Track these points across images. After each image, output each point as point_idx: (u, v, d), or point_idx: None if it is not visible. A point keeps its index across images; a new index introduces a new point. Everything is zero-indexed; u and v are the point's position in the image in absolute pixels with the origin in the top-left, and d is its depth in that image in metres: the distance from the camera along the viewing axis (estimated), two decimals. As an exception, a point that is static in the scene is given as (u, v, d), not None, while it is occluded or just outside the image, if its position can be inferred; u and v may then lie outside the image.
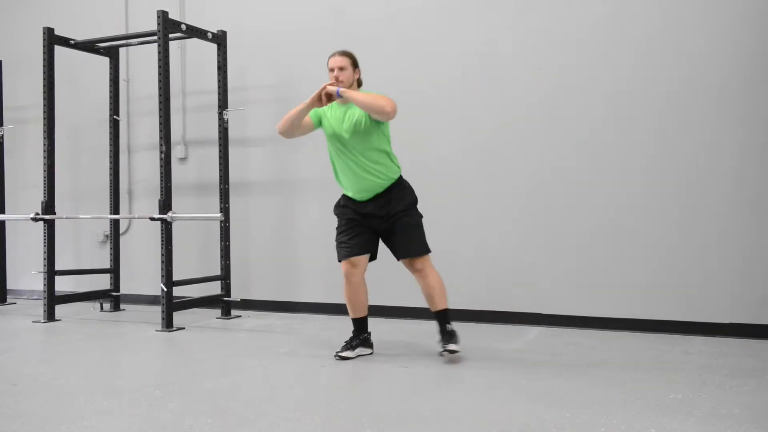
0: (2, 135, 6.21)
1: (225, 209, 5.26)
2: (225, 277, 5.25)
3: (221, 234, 5.27)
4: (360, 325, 3.80)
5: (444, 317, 3.67)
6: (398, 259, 3.73)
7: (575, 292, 4.62)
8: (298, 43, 5.47)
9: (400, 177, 3.75)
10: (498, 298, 4.81)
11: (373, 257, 3.80)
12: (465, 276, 4.89)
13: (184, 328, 4.78)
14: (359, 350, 3.76)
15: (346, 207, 3.75)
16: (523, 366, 3.51)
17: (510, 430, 2.52)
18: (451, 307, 4.88)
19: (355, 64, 3.70)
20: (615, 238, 4.52)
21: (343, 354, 3.70)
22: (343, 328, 4.59)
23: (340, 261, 3.73)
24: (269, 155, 5.58)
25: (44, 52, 5.34)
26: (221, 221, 5.23)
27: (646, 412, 2.69)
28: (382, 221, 3.67)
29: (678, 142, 4.38)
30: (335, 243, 3.78)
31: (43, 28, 5.38)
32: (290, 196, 5.50)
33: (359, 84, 3.76)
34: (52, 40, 5.38)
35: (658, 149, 4.42)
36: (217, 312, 5.33)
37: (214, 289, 5.35)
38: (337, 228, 3.79)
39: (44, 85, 5.34)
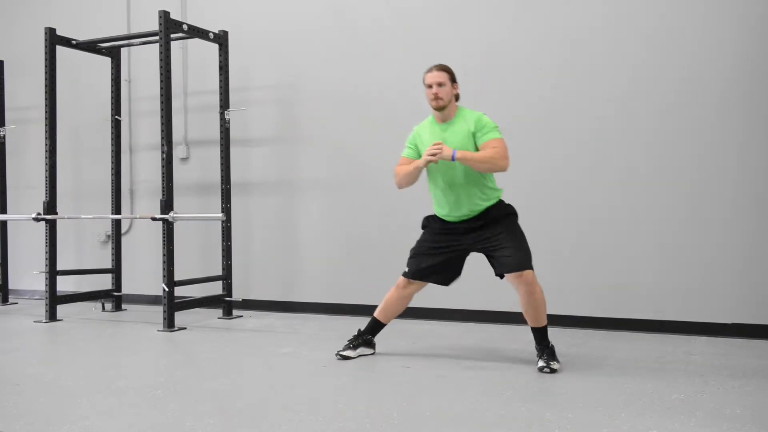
0: (4, 135, 6.21)
1: (226, 209, 5.26)
2: (226, 277, 5.26)
3: (223, 234, 5.27)
4: (374, 327, 3.78)
5: (546, 332, 3.53)
6: (504, 274, 3.49)
7: (576, 292, 4.62)
8: (299, 43, 5.47)
9: (500, 199, 3.62)
10: (499, 298, 4.80)
11: (446, 281, 3.71)
12: (466, 276, 4.87)
13: (185, 328, 4.78)
14: (361, 350, 3.76)
15: (436, 225, 3.66)
16: (524, 366, 3.50)
17: (512, 430, 2.51)
18: (452, 307, 4.91)
19: (453, 79, 3.56)
20: (616, 238, 4.52)
21: (345, 353, 3.70)
22: (344, 327, 4.59)
23: (404, 275, 3.70)
24: (271, 155, 5.58)
25: (46, 53, 5.34)
26: (223, 221, 5.24)
27: (648, 413, 2.69)
28: (477, 237, 3.54)
29: (679, 142, 4.37)
30: (411, 250, 3.71)
31: (45, 28, 5.38)
32: (291, 197, 5.50)
33: (457, 98, 3.61)
34: (53, 40, 5.38)
35: (658, 149, 4.42)
36: (219, 312, 5.33)
37: (216, 289, 5.35)
38: (419, 240, 3.72)
39: (46, 86, 5.34)
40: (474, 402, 2.88)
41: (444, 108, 3.54)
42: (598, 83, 4.59)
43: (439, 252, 3.63)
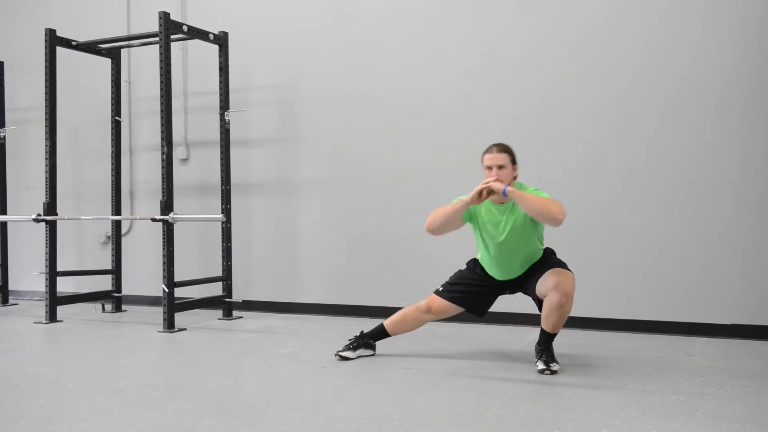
0: (4, 136, 6.21)
1: (226, 210, 5.26)
2: (226, 278, 5.26)
3: (223, 235, 5.27)
4: (379, 334, 3.78)
5: (552, 339, 3.49)
6: (540, 293, 3.44)
7: (577, 292, 4.59)
8: (299, 43, 5.48)
9: (545, 249, 3.60)
10: (499, 298, 4.80)
11: (478, 313, 3.73)
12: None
13: (185, 329, 4.78)
14: (360, 351, 3.75)
15: (475, 276, 3.66)
16: (524, 366, 3.50)
17: (512, 430, 2.51)
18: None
19: (513, 160, 3.41)
20: (616, 238, 4.52)
21: (344, 354, 3.70)
22: (344, 328, 4.59)
23: (435, 293, 3.68)
24: (271, 156, 5.58)
25: (46, 54, 5.35)
26: (223, 222, 5.24)
27: (648, 413, 2.69)
28: (518, 282, 3.59)
29: (679, 142, 4.37)
30: (448, 280, 3.71)
31: (45, 29, 5.39)
32: (292, 197, 5.50)
33: (514, 179, 3.48)
34: (53, 41, 5.38)
35: (658, 149, 4.42)
36: (219, 313, 5.33)
37: (216, 290, 5.35)
38: (459, 272, 3.72)
39: (46, 86, 5.34)
40: (474, 402, 2.88)
41: None
42: (598, 83, 4.59)
43: (477, 289, 3.64)
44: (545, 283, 3.39)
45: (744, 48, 4.24)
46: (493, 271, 3.61)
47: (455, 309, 3.68)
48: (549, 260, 3.54)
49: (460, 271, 3.76)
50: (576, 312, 4.59)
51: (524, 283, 3.57)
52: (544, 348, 3.48)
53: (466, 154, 4.91)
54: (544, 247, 3.62)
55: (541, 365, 3.39)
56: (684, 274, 4.35)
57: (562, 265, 3.51)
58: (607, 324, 4.52)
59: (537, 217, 3.29)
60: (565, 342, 4.10)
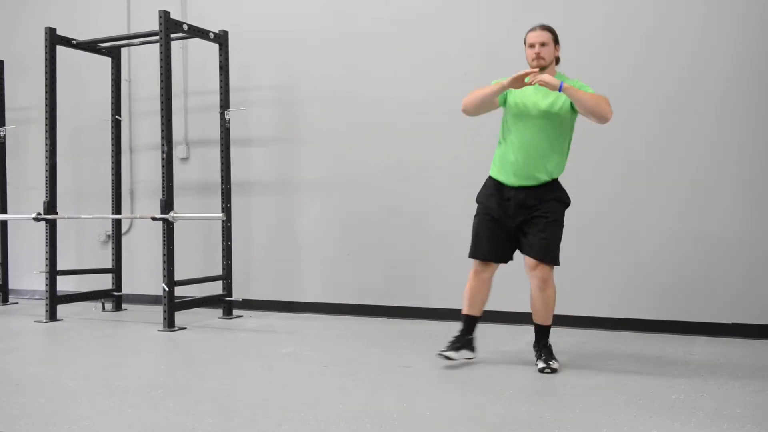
0: (4, 135, 6.21)
1: (227, 209, 5.26)
2: (227, 277, 5.26)
3: (223, 234, 5.27)
4: (470, 323, 3.62)
5: (547, 333, 3.51)
6: (525, 255, 3.46)
7: (577, 292, 4.61)
8: (299, 43, 5.47)
9: (558, 179, 3.51)
10: (500, 298, 4.79)
11: (506, 260, 3.60)
12: (467, 276, 4.88)
13: (185, 328, 4.78)
14: (464, 352, 3.56)
15: (490, 199, 3.50)
16: (524, 366, 3.50)
17: (512, 430, 2.51)
18: (452, 307, 4.90)
19: (556, 40, 3.43)
20: (616, 238, 4.52)
21: (448, 354, 3.50)
22: (345, 327, 4.60)
23: (470, 257, 3.57)
24: (271, 155, 5.58)
25: (46, 53, 5.34)
26: (223, 221, 5.23)
27: (648, 413, 2.69)
28: (526, 212, 3.43)
29: (679, 142, 4.37)
30: (473, 231, 3.57)
31: (45, 28, 5.38)
32: (292, 196, 5.50)
33: (557, 62, 3.49)
34: (53, 40, 5.38)
35: (659, 149, 4.42)
36: (219, 312, 5.33)
37: (216, 289, 5.35)
38: (476, 217, 3.56)
39: (46, 85, 5.34)
40: (474, 402, 2.88)
41: (544, 69, 3.39)
42: (598, 83, 4.57)
43: (494, 226, 3.48)
44: (528, 262, 3.42)
45: (744, 48, 4.24)
46: (508, 166, 3.44)
47: (490, 265, 3.54)
48: (550, 223, 3.41)
49: (476, 214, 3.58)
50: (576, 311, 4.61)
51: (528, 224, 3.42)
52: (542, 346, 3.48)
53: (467, 153, 4.92)
54: (561, 172, 3.49)
55: (541, 364, 3.39)
56: (684, 274, 4.35)
57: (554, 236, 3.43)
58: (607, 323, 4.52)
59: (588, 114, 3.30)
60: (565, 341, 4.10)
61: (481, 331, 4.57)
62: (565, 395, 2.97)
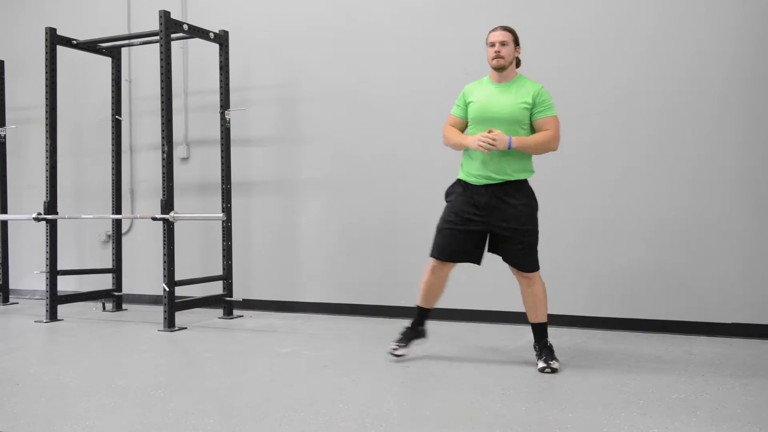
0: (4, 135, 6.21)
1: (227, 209, 5.26)
2: (227, 276, 5.26)
3: (223, 234, 5.27)
4: (423, 315, 3.71)
5: (546, 330, 3.54)
6: (505, 261, 3.59)
7: (577, 291, 4.62)
8: (300, 43, 5.48)
9: (527, 181, 3.57)
10: (500, 298, 4.81)
11: (476, 260, 3.63)
12: (467, 276, 4.89)
13: (186, 328, 4.78)
14: (414, 342, 3.72)
15: (459, 200, 3.56)
16: (524, 366, 3.50)
17: (513, 429, 2.51)
18: (452, 306, 4.91)
19: (516, 42, 3.55)
20: (617, 237, 4.52)
21: (398, 352, 3.65)
22: (345, 327, 4.60)
23: (431, 254, 3.62)
24: (271, 155, 5.58)
25: (46, 53, 5.35)
26: (223, 221, 5.24)
27: (648, 413, 2.69)
28: (496, 214, 3.47)
29: (679, 141, 4.37)
30: (436, 229, 3.62)
31: (46, 28, 5.39)
32: (292, 196, 5.50)
33: (518, 64, 3.61)
34: (54, 40, 5.38)
35: (659, 149, 4.42)
36: (219, 312, 5.33)
37: (216, 289, 5.36)
38: (444, 213, 3.61)
39: (46, 85, 5.34)
40: (474, 402, 2.88)
41: (504, 68, 3.51)
42: (599, 83, 4.59)
43: (461, 228, 3.51)
44: (510, 267, 3.56)
45: (744, 48, 4.24)
46: (475, 161, 3.51)
47: (447, 265, 3.60)
48: (524, 230, 3.46)
49: (444, 211, 3.65)
50: (576, 311, 4.61)
51: (503, 232, 3.46)
52: (542, 345, 3.49)
53: (467, 153, 4.92)
54: (532, 172, 3.56)
55: (541, 364, 3.40)
56: (684, 273, 4.35)
57: (531, 242, 3.49)
58: (608, 323, 4.52)
59: (541, 153, 3.50)
60: (565, 341, 4.10)
61: (481, 330, 4.58)
62: (565, 395, 2.97)
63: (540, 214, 4.67)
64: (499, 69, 3.52)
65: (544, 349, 3.47)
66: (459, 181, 3.63)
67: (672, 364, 3.53)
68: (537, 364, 3.43)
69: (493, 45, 3.51)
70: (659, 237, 4.41)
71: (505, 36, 3.50)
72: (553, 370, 3.36)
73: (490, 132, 3.40)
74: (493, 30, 3.55)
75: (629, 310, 4.48)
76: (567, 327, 4.57)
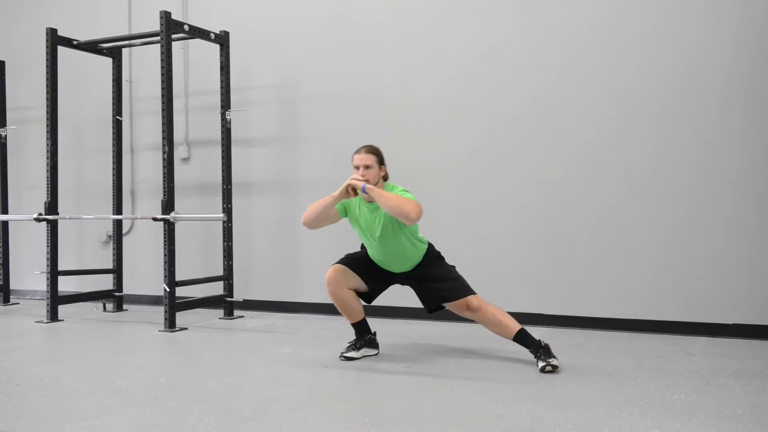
0: (5, 135, 6.21)
1: (227, 209, 5.26)
2: (227, 277, 5.26)
3: (224, 234, 5.27)
4: (360, 328, 3.78)
5: (528, 335, 3.55)
6: (430, 311, 3.76)
7: (577, 292, 4.61)
8: (300, 43, 5.48)
9: (429, 247, 3.74)
10: (500, 298, 4.78)
11: (368, 298, 3.83)
12: (467, 276, 4.87)
13: (186, 329, 4.78)
14: (364, 351, 3.75)
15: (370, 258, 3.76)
16: (524, 366, 3.50)
17: (513, 430, 2.51)
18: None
19: (380, 161, 3.64)
20: (618, 238, 4.51)
21: (348, 354, 3.70)
22: (346, 328, 4.59)
23: (337, 263, 3.74)
24: (272, 156, 5.58)
25: (47, 53, 5.35)
26: (224, 221, 5.24)
27: (649, 413, 2.69)
28: (407, 278, 3.74)
29: (680, 141, 4.37)
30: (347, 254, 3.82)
31: (46, 28, 5.39)
32: (293, 197, 5.50)
33: (385, 179, 3.70)
34: (55, 40, 5.38)
35: (660, 149, 4.42)
36: (220, 312, 5.33)
37: (217, 289, 5.36)
38: (354, 254, 3.83)
39: (47, 86, 5.35)
40: (474, 402, 2.88)
41: None
42: (599, 83, 4.59)
43: (370, 270, 3.72)
44: (450, 307, 3.68)
45: (745, 48, 4.24)
46: (378, 258, 3.71)
47: (347, 274, 3.68)
48: (439, 271, 3.67)
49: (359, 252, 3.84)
50: (576, 312, 4.61)
51: (416, 284, 3.72)
52: (537, 347, 3.50)
53: (467, 153, 4.93)
54: (427, 243, 3.74)
55: (541, 363, 3.39)
56: (685, 274, 4.35)
57: (452, 276, 3.68)
58: (608, 323, 4.52)
59: (392, 213, 3.44)
60: (565, 342, 4.10)
61: (481, 330, 4.57)
62: (565, 395, 2.97)
63: (540, 214, 4.70)
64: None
65: (540, 349, 3.47)
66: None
67: (672, 365, 3.52)
68: (537, 365, 3.43)
69: (357, 168, 3.60)
70: (660, 237, 4.41)
71: (369, 159, 3.59)
72: (554, 368, 3.35)
73: (351, 182, 3.50)
74: (357, 152, 3.65)
75: (629, 310, 4.47)
76: (567, 327, 4.57)
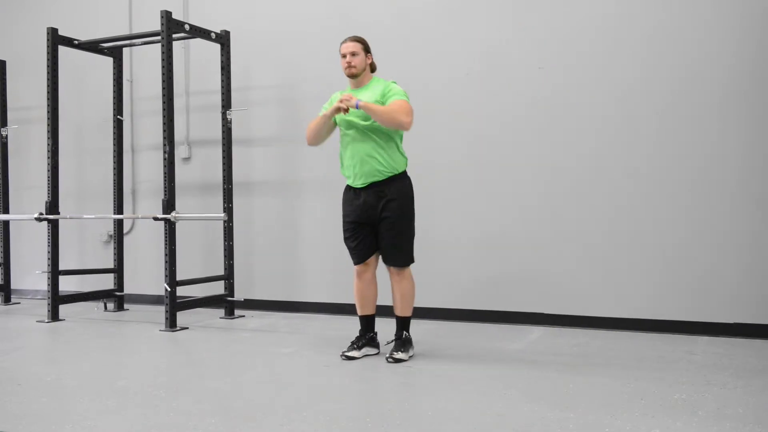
0: (6, 135, 6.22)
1: (228, 209, 5.26)
2: (228, 276, 5.26)
3: (225, 234, 5.27)
4: (367, 323, 3.80)
5: (406, 324, 3.73)
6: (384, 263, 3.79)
7: (579, 292, 4.61)
8: (301, 43, 5.48)
9: (404, 172, 3.75)
10: (501, 297, 4.81)
11: (376, 253, 3.83)
12: (468, 276, 4.89)
13: (187, 328, 4.78)
14: (366, 350, 3.77)
15: (347, 204, 3.77)
16: (526, 366, 3.50)
17: (514, 430, 2.51)
18: (453, 306, 4.92)
19: (366, 50, 3.72)
20: (619, 237, 4.51)
21: (350, 354, 3.71)
22: (347, 327, 4.59)
23: (354, 264, 3.81)
24: (273, 155, 5.58)
25: (48, 53, 5.35)
26: (225, 221, 5.24)
27: (650, 413, 2.69)
28: (375, 211, 3.66)
29: (681, 141, 4.37)
30: (343, 238, 3.84)
31: (47, 28, 5.39)
32: (294, 196, 5.50)
33: (372, 69, 3.77)
34: (55, 40, 5.38)
35: (661, 149, 4.42)
36: (221, 312, 5.33)
37: (218, 288, 5.36)
38: (343, 228, 3.82)
39: (48, 86, 5.35)
40: (474, 402, 2.87)
41: (357, 76, 3.69)
42: (601, 83, 4.58)
43: (357, 228, 3.72)
44: (386, 265, 3.74)
45: (746, 48, 4.23)
46: (349, 168, 3.69)
47: (369, 261, 3.77)
48: (400, 223, 3.66)
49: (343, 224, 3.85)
50: (578, 311, 4.61)
51: (382, 225, 3.66)
52: (398, 336, 3.69)
53: (467, 153, 4.92)
54: (405, 162, 3.75)
55: (391, 352, 3.62)
56: (687, 273, 4.35)
57: (406, 238, 3.70)
58: (609, 323, 4.52)
59: (387, 126, 3.55)
60: (565, 342, 4.10)
61: (481, 330, 4.58)
62: (567, 395, 2.97)
63: (541, 214, 4.70)
64: (352, 77, 3.70)
65: (398, 340, 3.66)
66: (346, 187, 3.81)
67: (674, 364, 3.52)
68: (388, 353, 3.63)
69: (344, 56, 3.68)
70: (661, 237, 4.41)
71: (355, 47, 3.67)
72: (396, 360, 3.55)
73: (344, 96, 3.56)
74: (344, 42, 3.71)
75: (631, 310, 4.47)
76: (569, 327, 4.57)
